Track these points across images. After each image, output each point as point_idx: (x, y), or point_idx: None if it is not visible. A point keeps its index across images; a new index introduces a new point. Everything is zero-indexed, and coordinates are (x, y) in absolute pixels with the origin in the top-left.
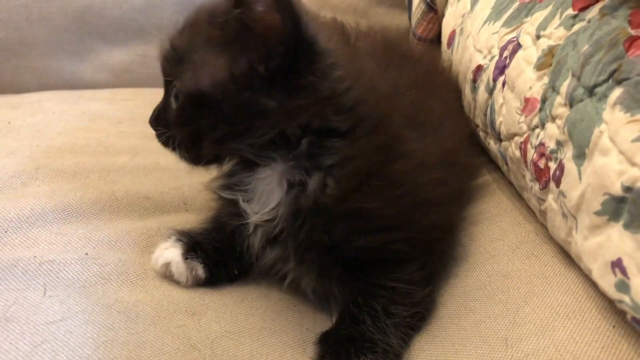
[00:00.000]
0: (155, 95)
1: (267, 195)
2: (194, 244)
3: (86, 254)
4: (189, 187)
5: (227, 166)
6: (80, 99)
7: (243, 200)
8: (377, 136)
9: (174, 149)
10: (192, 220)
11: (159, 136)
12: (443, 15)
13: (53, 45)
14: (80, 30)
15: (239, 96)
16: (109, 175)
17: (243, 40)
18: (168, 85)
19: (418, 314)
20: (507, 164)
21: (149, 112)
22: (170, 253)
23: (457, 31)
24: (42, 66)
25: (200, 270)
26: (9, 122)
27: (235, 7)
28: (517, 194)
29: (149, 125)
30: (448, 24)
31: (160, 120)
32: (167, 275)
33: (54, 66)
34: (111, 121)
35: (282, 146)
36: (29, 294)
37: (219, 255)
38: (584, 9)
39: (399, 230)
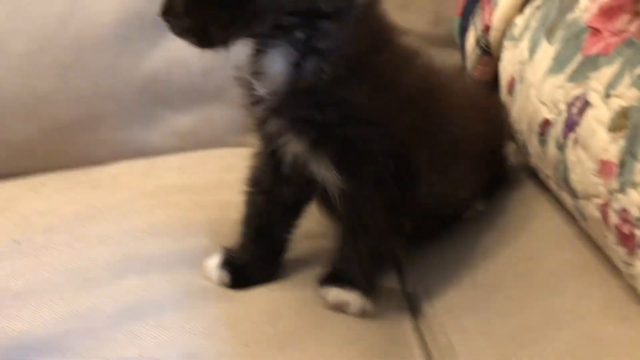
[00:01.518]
0: (221, 157)
1: (272, 76)
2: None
3: (188, 350)
4: None
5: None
6: (153, 170)
7: (254, 79)
8: (368, 23)
9: (186, 38)
10: None
11: (171, 27)
12: (499, 59)
13: (121, 116)
14: (146, 99)
15: None
16: (194, 265)
17: None
18: None
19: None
20: (585, 220)
21: (220, 178)
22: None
23: (517, 78)
24: (111, 137)
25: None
26: (94, 206)
27: None
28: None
29: (224, 194)
30: (506, 70)
31: (169, 13)
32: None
33: (123, 136)
34: (186, 193)
35: (283, 34)
36: None
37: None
38: None
39: (377, 127)
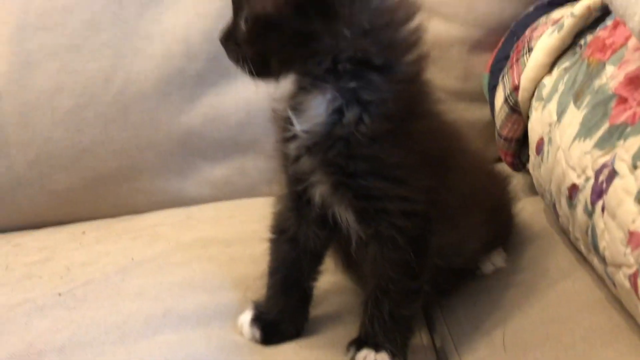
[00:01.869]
0: (254, 208)
1: (313, 115)
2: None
3: None
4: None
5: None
6: (189, 221)
7: (293, 114)
8: (413, 85)
9: (243, 65)
10: None
11: (229, 53)
12: (527, 118)
13: (160, 167)
14: (184, 151)
15: (295, 20)
16: (227, 320)
17: None
18: (237, 10)
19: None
20: (615, 287)
21: (253, 229)
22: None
23: (546, 140)
24: (151, 187)
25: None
26: (132, 259)
27: None
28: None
29: (256, 246)
30: (534, 130)
31: (229, 40)
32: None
33: (162, 186)
34: (221, 246)
35: (334, 79)
36: None
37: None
38: None
39: (400, 186)
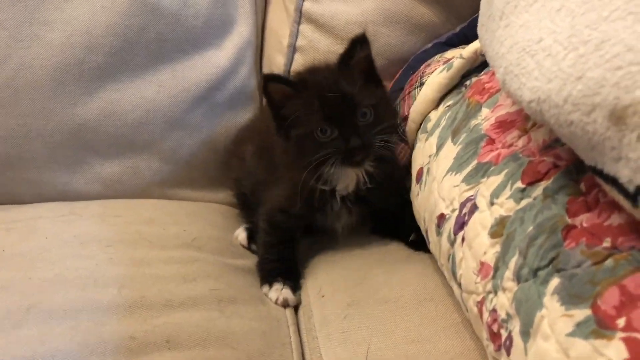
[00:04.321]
0: (143, 209)
1: (346, 183)
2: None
3: None
4: (172, 324)
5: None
6: (72, 216)
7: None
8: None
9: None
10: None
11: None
12: (413, 148)
13: (48, 159)
14: (75, 145)
15: None
16: (96, 315)
17: None
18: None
19: None
20: (467, 312)
21: (138, 231)
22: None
23: (425, 170)
24: (37, 178)
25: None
26: (3, 250)
27: None
28: None
29: (138, 249)
30: (417, 160)
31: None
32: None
33: (49, 178)
34: (101, 244)
35: None
36: None
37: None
38: (531, 183)
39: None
